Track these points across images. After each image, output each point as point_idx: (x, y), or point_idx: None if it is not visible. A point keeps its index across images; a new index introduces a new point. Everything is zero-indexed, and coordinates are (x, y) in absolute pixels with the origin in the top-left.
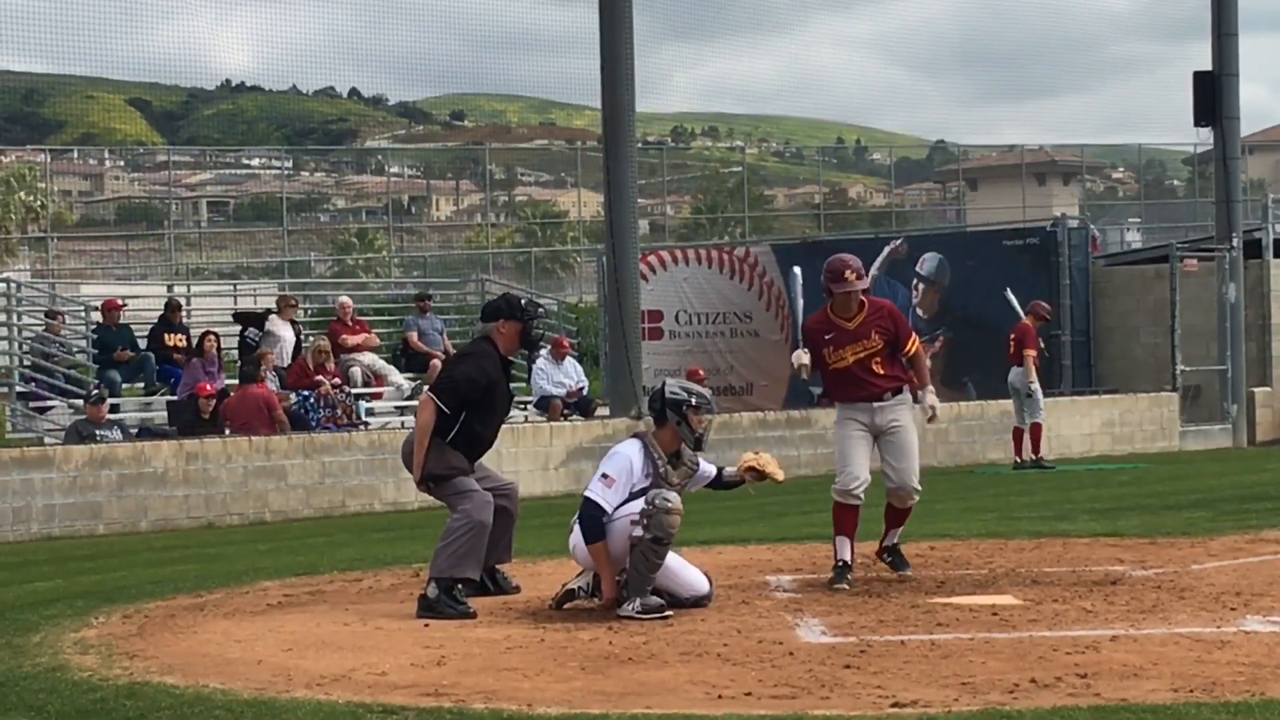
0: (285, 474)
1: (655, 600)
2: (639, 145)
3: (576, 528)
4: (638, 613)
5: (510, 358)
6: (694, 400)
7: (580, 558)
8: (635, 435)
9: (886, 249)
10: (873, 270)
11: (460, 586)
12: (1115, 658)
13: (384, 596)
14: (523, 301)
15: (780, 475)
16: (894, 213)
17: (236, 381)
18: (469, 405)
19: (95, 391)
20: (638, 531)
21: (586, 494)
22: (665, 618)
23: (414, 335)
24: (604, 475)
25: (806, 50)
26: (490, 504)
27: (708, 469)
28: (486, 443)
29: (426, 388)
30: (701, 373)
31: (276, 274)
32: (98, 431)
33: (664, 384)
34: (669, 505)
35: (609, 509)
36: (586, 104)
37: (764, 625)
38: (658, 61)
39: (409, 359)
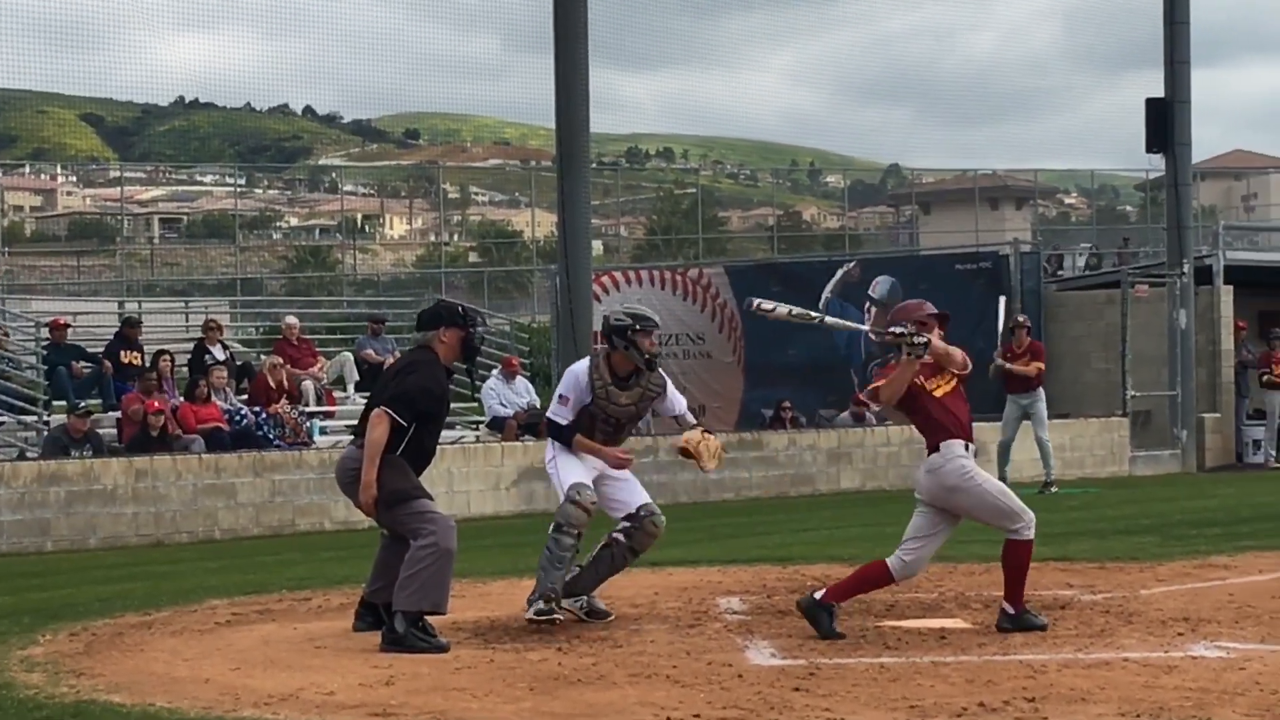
0: (235, 492)
1: (547, 609)
2: (593, 166)
3: (551, 461)
4: (529, 617)
5: (449, 367)
6: (638, 324)
7: (564, 477)
8: (591, 355)
9: (840, 272)
10: (825, 293)
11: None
12: (1063, 682)
13: (333, 616)
14: (460, 309)
15: (710, 466)
16: (847, 235)
17: (183, 399)
18: (420, 418)
19: (81, 405)
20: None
21: (548, 416)
22: (551, 621)
23: (370, 354)
24: (559, 396)
25: (761, 74)
26: (454, 529)
27: (675, 403)
28: (430, 455)
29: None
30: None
31: (229, 291)
32: (72, 447)
33: (609, 313)
34: (578, 499)
35: (565, 421)
36: (541, 124)
37: (713, 647)
38: (613, 82)
39: (360, 379)
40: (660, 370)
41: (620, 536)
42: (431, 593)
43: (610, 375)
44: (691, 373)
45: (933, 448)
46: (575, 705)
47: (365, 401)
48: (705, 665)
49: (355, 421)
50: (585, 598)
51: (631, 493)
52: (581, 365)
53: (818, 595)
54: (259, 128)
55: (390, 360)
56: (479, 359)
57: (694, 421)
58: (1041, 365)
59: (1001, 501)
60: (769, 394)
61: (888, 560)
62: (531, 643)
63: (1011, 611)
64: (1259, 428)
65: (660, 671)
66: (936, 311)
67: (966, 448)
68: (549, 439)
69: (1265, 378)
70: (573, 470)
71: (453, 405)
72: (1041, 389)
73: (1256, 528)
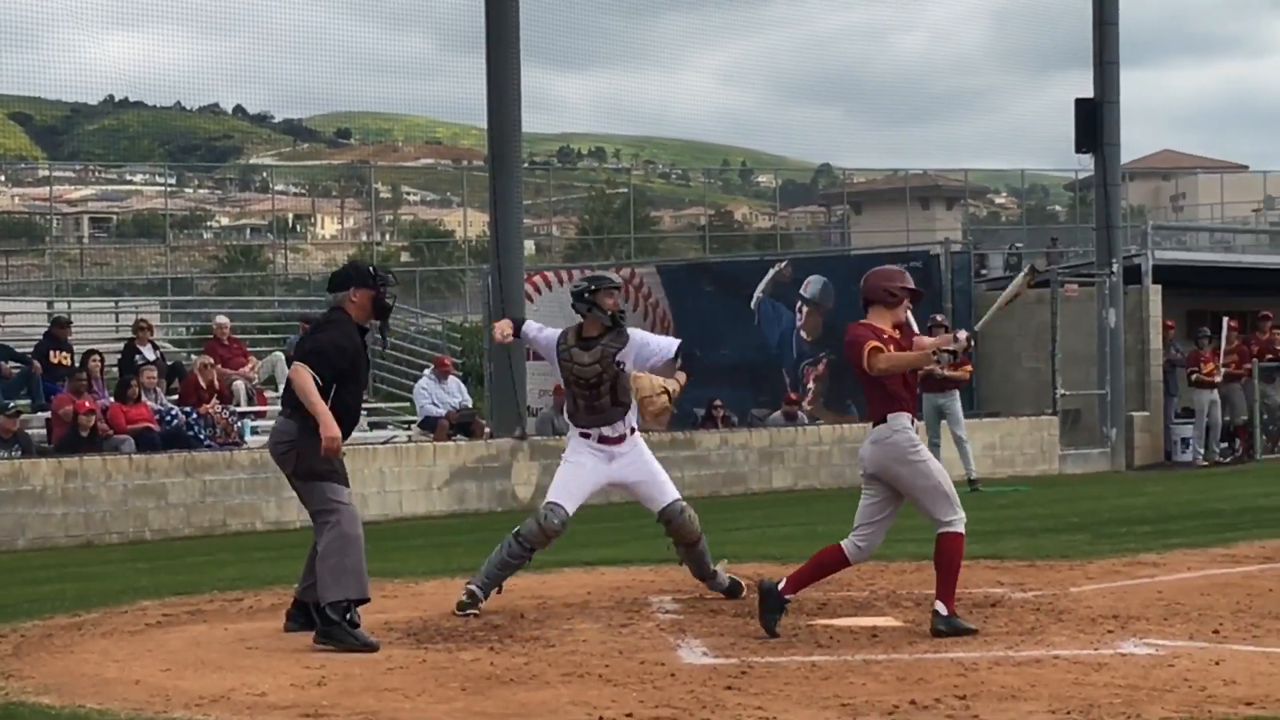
0: (166, 492)
1: (469, 601)
2: (525, 165)
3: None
4: (459, 601)
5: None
6: (594, 284)
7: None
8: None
9: (771, 271)
10: (757, 293)
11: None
12: (994, 679)
13: (265, 616)
14: (370, 269)
15: (654, 408)
16: (779, 235)
17: (113, 399)
18: (339, 376)
19: (11, 405)
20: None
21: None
22: (466, 615)
23: None
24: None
25: (693, 74)
26: (359, 517)
27: (653, 348)
28: (355, 417)
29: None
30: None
31: (159, 291)
32: (1, 447)
33: (572, 285)
34: (544, 522)
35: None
36: (473, 123)
37: (646, 646)
38: (545, 82)
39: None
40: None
41: (681, 548)
42: (348, 580)
43: (575, 338)
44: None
45: (879, 419)
46: (508, 705)
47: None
48: (638, 664)
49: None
50: (713, 581)
51: (660, 490)
52: (556, 333)
53: (780, 584)
54: (189, 127)
55: None
56: (413, 350)
57: (677, 365)
58: (970, 367)
59: (942, 486)
60: (701, 393)
61: (843, 545)
62: (464, 643)
63: (945, 612)
64: (1187, 426)
65: (593, 671)
66: (912, 287)
67: (911, 422)
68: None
69: (1194, 377)
70: (566, 481)
71: (385, 406)
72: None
73: (1185, 525)
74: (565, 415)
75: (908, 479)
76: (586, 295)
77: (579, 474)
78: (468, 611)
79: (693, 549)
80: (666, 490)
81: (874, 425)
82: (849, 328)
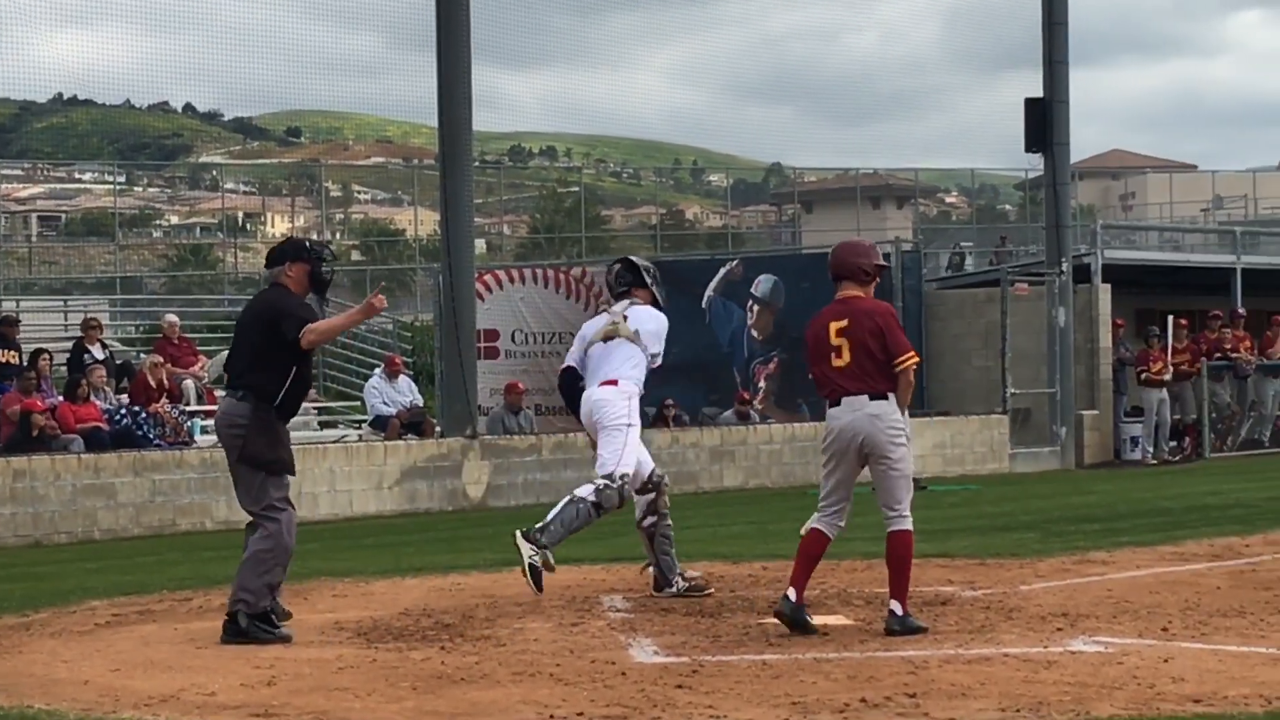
0: (115, 492)
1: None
2: (476, 164)
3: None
4: (538, 563)
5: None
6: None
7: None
8: (642, 303)
9: (722, 270)
10: (709, 291)
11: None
12: (944, 677)
13: (214, 616)
14: (306, 243)
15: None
16: (730, 234)
17: (62, 398)
18: (302, 356)
19: None
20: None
21: (659, 360)
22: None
23: None
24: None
25: (644, 73)
26: (295, 524)
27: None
28: (302, 400)
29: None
30: (521, 386)
31: (108, 290)
32: None
33: (629, 259)
34: (626, 492)
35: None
36: (424, 122)
37: (597, 645)
38: (496, 80)
39: None
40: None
41: (652, 517)
42: (265, 593)
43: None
44: None
45: (883, 395)
46: (458, 704)
47: (232, 348)
48: (589, 663)
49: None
50: (679, 575)
51: (647, 458)
52: (664, 316)
53: (792, 597)
54: (139, 125)
55: None
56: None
57: None
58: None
59: (907, 479)
60: (652, 392)
61: (819, 528)
62: (415, 642)
63: (900, 612)
64: (1137, 425)
65: (544, 670)
66: (883, 264)
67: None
68: (628, 389)
69: (1143, 375)
70: (635, 451)
71: (335, 405)
72: None
73: (1134, 524)
74: (635, 373)
75: (881, 460)
76: (652, 273)
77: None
78: (539, 579)
79: (664, 522)
80: (649, 456)
81: (870, 399)
82: (889, 307)
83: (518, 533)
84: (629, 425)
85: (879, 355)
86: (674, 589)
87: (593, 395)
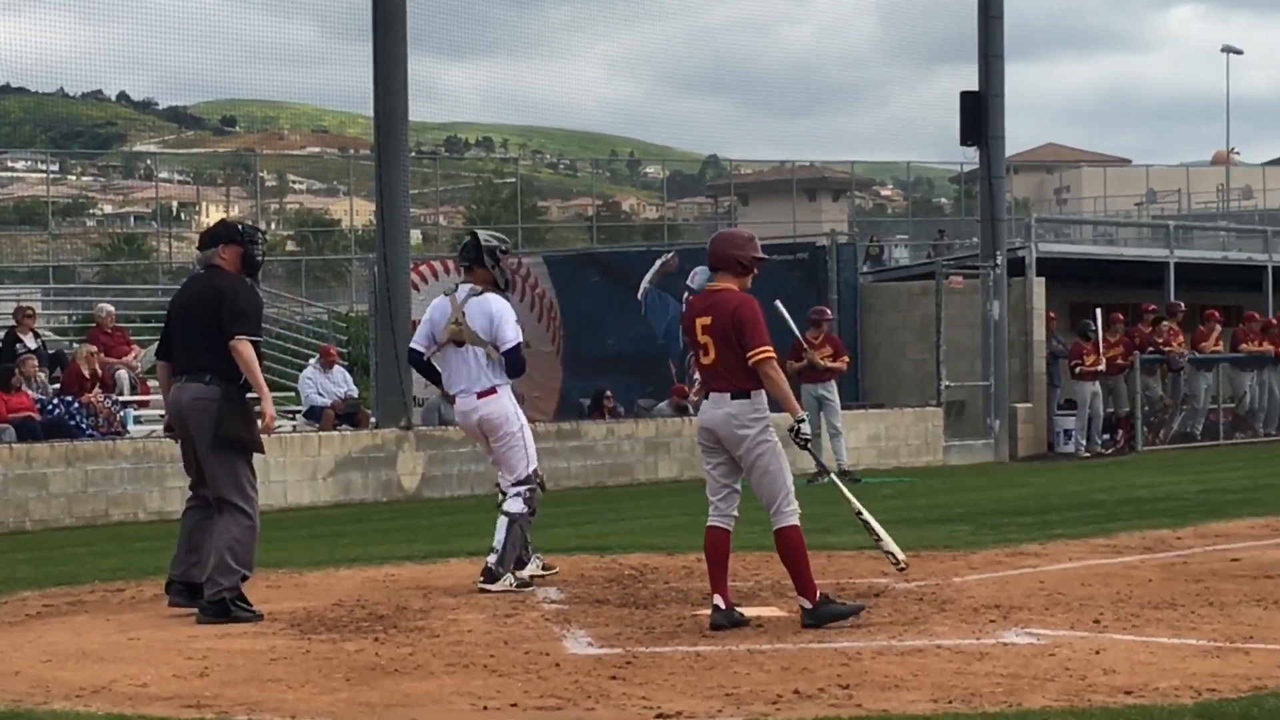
0: (47, 482)
1: (526, 575)
2: (412, 154)
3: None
4: (511, 586)
5: None
6: (504, 247)
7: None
8: (491, 292)
9: (658, 262)
10: (644, 283)
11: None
12: (877, 669)
13: (147, 607)
14: (239, 225)
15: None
16: (666, 226)
17: None
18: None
19: None
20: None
21: (517, 347)
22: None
23: None
24: (517, 324)
25: (581, 64)
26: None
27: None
28: None
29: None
30: None
31: (41, 279)
32: None
33: (476, 234)
34: (545, 483)
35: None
36: (360, 112)
37: (531, 636)
38: (432, 70)
39: None
40: None
41: (522, 507)
42: (237, 573)
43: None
44: None
45: (744, 393)
46: (392, 695)
47: (174, 330)
48: (522, 654)
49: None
50: (535, 559)
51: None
52: (501, 298)
53: (721, 604)
54: (72, 113)
55: None
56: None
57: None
58: (847, 358)
59: (774, 476)
60: (588, 384)
61: (715, 524)
62: (348, 633)
63: (809, 606)
64: (1070, 418)
65: (477, 661)
66: (762, 256)
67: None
68: (505, 394)
69: (1076, 369)
70: (533, 445)
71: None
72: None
73: (1067, 516)
74: (499, 372)
75: (754, 458)
76: (498, 253)
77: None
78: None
79: (529, 517)
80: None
81: (731, 398)
82: (749, 299)
83: (480, 586)
84: (521, 427)
85: (741, 351)
86: (506, 584)
87: (474, 408)
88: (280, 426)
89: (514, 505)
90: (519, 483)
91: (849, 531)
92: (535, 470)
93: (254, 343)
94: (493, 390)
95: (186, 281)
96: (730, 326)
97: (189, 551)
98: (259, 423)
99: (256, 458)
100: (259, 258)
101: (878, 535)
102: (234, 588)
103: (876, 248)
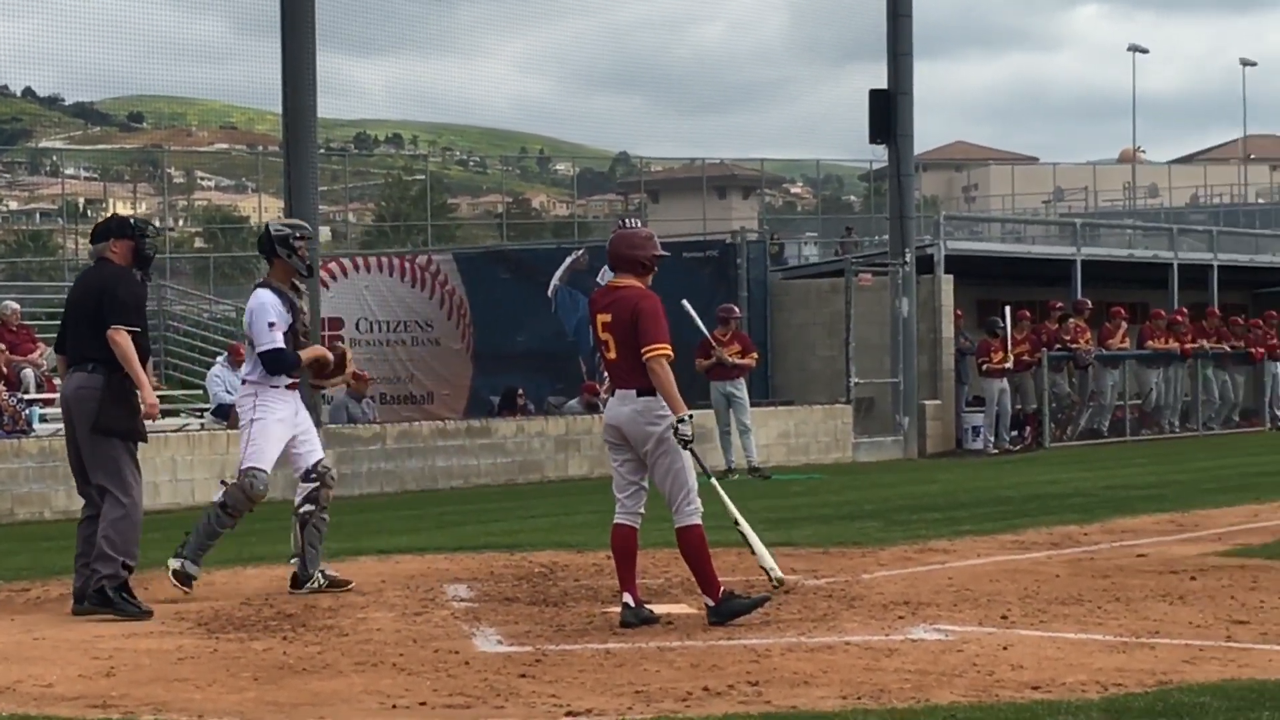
0: None
1: (184, 573)
2: (321, 151)
3: (251, 422)
4: (177, 567)
5: None
6: (299, 233)
7: (250, 451)
8: (258, 285)
9: (569, 259)
10: (555, 280)
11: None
12: (786, 665)
13: (52, 607)
14: (130, 220)
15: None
16: (576, 223)
17: None
18: (136, 325)
19: None
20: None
21: (263, 348)
22: (186, 589)
23: None
24: (270, 324)
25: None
26: (142, 494)
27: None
28: (145, 364)
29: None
30: (365, 374)
31: None
32: None
33: (268, 225)
34: (250, 491)
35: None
36: (268, 108)
37: (440, 634)
38: (341, 67)
39: None
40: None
41: (309, 505)
42: (126, 558)
43: (290, 288)
44: (420, 360)
45: (650, 391)
46: (300, 694)
47: (67, 324)
48: (432, 653)
49: None
50: (320, 572)
51: (316, 443)
52: (266, 294)
53: (631, 602)
54: None
55: None
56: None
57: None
58: (756, 355)
59: (676, 474)
60: (498, 381)
61: (621, 522)
62: (256, 632)
63: (713, 603)
64: (978, 415)
65: (386, 659)
66: (661, 253)
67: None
68: (252, 393)
69: (984, 366)
70: (263, 445)
71: (178, 394)
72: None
73: (975, 512)
74: (256, 367)
75: (659, 457)
76: (293, 241)
77: (277, 431)
78: (186, 587)
79: (325, 514)
80: (319, 444)
81: (638, 394)
82: (649, 295)
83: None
84: (253, 420)
85: (630, 350)
86: (314, 585)
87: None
88: (188, 424)
89: (216, 494)
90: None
91: (759, 528)
92: (251, 469)
93: (134, 333)
94: (244, 383)
95: (79, 275)
96: (630, 323)
97: (86, 564)
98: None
99: (165, 455)
100: (150, 251)
101: (753, 548)
102: (114, 576)
103: (775, 246)
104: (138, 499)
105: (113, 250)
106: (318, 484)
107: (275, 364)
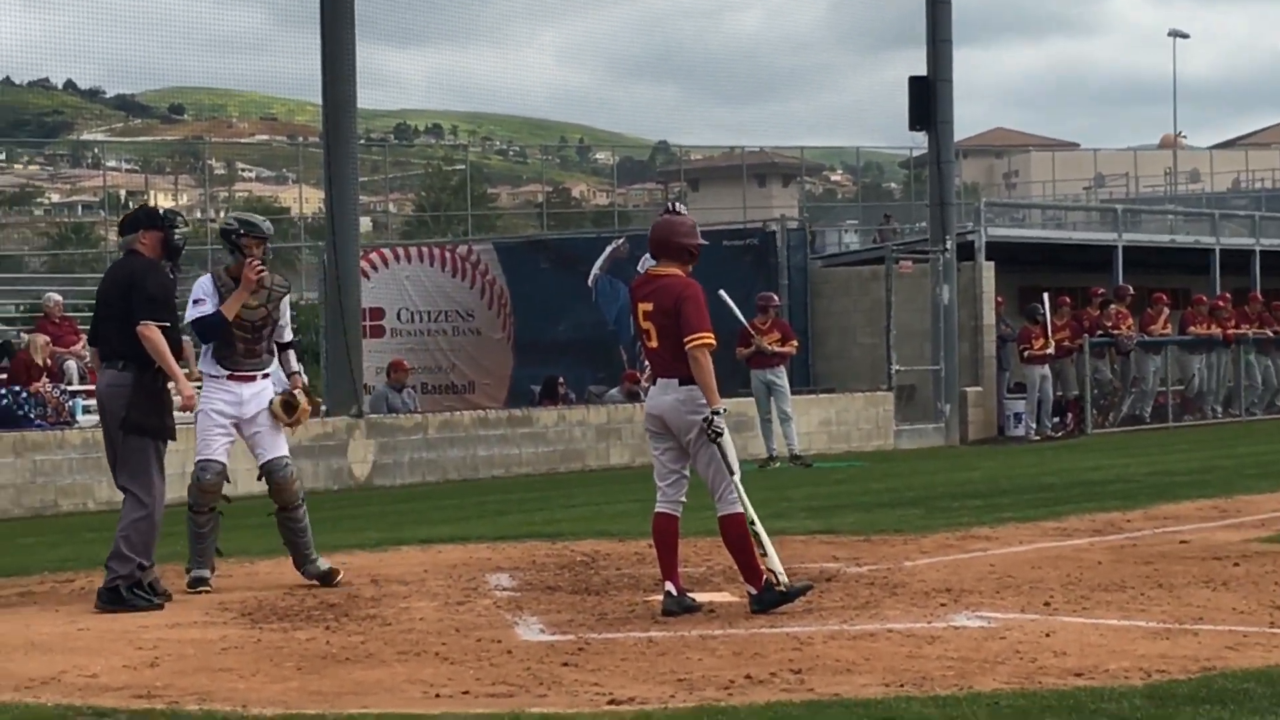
0: None
1: (205, 574)
2: (361, 142)
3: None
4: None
5: None
6: (243, 229)
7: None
8: (203, 275)
9: (609, 248)
10: (595, 269)
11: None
12: (829, 653)
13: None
14: (159, 211)
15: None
16: (616, 212)
17: None
18: (172, 316)
19: None
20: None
21: (193, 319)
22: (200, 591)
23: None
24: (194, 301)
25: (530, 50)
26: (164, 501)
27: (285, 327)
28: (178, 358)
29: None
30: (406, 364)
31: None
32: None
33: (223, 220)
34: (199, 483)
35: (212, 309)
36: (308, 99)
37: (483, 623)
38: (380, 57)
39: None
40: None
41: (276, 506)
42: (142, 558)
43: (233, 280)
44: (461, 349)
45: (692, 379)
46: (343, 684)
47: (98, 321)
48: (474, 642)
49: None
50: (314, 567)
51: (275, 441)
52: (204, 279)
53: (673, 591)
54: (18, 102)
55: None
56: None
57: (296, 368)
58: (796, 343)
59: (719, 464)
60: (538, 370)
61: (663, 511)
62: (299, 622)
63: (755, 591)
64: (1019, 401)
65: (429, 649)
66: (702, 242)
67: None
68: (207, 382)
69: (1025, 352)
70: (205, 436)
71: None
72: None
73: (1017, 499)
74: (207, 356)
75: (701, 447)
76: (235, 237)
77: (216, 420)
78: (200, 589)
79: (292, 513)
80: (280, 442)
81: (680, 384)
82: (692, 283)
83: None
84: (198, 412)
85: (673, 339)
86: (315, 571)
87: None
88: None
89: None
90: None
91: (800, 517)
92: (201, 462)
93: (164, 327)
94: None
95: (108, 268)
96: (673, 312)
97: None
98: (175, 407)
99: (192, 446)
100: (179, 242)
101: (764, 550)
102: (129, 575)
103: (810, 234)
104: (159, 500)
105: (142, 242)
106: (269, 485)
107: (201, 330)
